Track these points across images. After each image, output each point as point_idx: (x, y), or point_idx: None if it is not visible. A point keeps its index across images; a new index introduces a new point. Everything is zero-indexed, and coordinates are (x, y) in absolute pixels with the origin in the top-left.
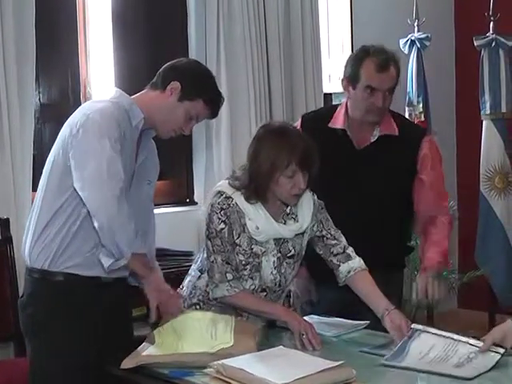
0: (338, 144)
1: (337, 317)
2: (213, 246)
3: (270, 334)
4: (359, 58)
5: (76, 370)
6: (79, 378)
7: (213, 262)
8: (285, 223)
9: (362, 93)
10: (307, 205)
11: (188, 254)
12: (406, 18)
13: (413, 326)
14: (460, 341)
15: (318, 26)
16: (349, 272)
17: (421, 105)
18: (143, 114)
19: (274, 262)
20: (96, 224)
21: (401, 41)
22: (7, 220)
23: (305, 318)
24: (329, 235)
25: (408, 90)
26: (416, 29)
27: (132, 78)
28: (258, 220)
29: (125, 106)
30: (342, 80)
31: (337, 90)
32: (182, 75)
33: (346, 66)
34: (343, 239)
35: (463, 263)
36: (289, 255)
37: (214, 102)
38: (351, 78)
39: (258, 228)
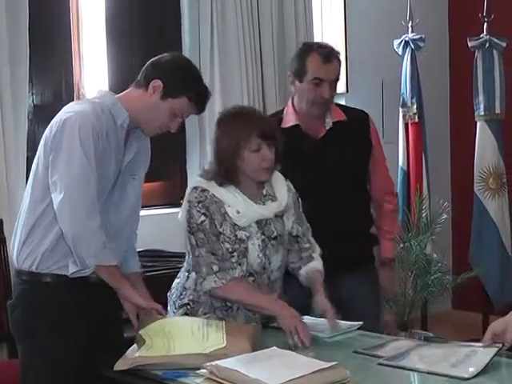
0: (296, 140)
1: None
2: (196, 240)
3: (263, 334)
4: (304, 52)
5: (66, 370)
6: (70, 379)
7: (198, 256)
8: (264, 204)
9: (308, 85)
10: (281, 183)
11: (182, 256)
12: (399, 19)
13: (418, 342)
14: (461, 345)
15: (311, 26)
16: (306, 273)
17: (415, 106)
18: (127, 113)
19: (259, 245)
20: (62, 230)
21: (395, 42)
22: (0, 221)
23: None
24: (303, 237)
25: (402, 91)
26: (410, 30)
27: (125, 79)
28: (237, 205)
29: (108, 106)
30: (289, 75)
31: None
32: (164, 73)
33: (291, 62)
34: (313, 240)
35: (457, 264)
36: (273, 236)
37: (198, 99)
38: (298, 72)
39: (238, 212)
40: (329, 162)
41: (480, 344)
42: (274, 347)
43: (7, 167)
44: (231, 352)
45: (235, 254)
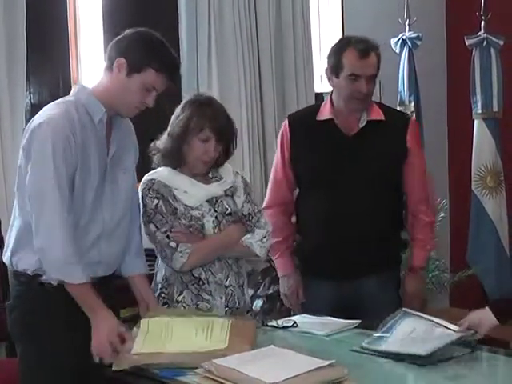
0: (328, 134)
1: (330, 315)
2: (155, 224)
3: (261, 333)
4: (341, 47)
5: (65, 370)
6: (68, 378)
7: (159, 241)
8: (210, 184)
9: (345, 81)
10: (227, 168)
11: None
12: (397, 18)
13: (403, 309)
14: (439, 324)
15: (309, 25)
16: None
17: (412, 104)
18: (103, 107)
19: (213, 221)
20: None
21: (392, 40)
22: None
23: (296, 317)
24: (254, 216)
25: (399, 89)
26: (407, 28)
27: None
28: (183, 186)
29: (83, 103)
30: (326, 70)
31: (328, 89)
32: (125, 49)
33: (328, 57)
34: (263, 220)
35: (455, 262)
36: (227, 213)
37: (165, 68)
38: (334, 68)
39: (186, 192)
40: (359, 161)
41: (455, 328)
42: (272, 346)
43: (4, 167)
44: (231, 353)
45: (191, 229)
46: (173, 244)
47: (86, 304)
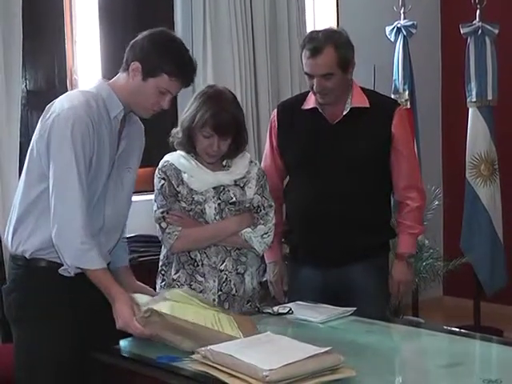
0: (313, 122)
1: (317, 301)
2: (157, 204)
3: (256, 319)
4: (302, 45)
5: (60, 354)
6: (63, 363)
7: (156, 220)
8: (218, 172)
9: (305, 77)
10: (243, 158)
11: None
12: (392, 6)
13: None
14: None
15: (304, 13)
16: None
17: (407, 92)
18: (122, 105)
19: (215, 208)
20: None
21: (387, 28)
22: None
23: (291, 304)
24: (263, 209)
25: (394, 77)
26: (402, 16)
27: (118, 65)
28: (191, 171)
29: (103, 97)
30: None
31: None
32: (140, 54)
33: None
34: (271, 214)
35: (448, 250)
36: (230, 202)
37: (178, 73)
38: (301, 62)
39: (192, 176)
40: (341, 148)
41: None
42: (268, 332)
43: (0, 153)
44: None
45: (191, 213)
46: (163, 225)
47: (103, 289)
